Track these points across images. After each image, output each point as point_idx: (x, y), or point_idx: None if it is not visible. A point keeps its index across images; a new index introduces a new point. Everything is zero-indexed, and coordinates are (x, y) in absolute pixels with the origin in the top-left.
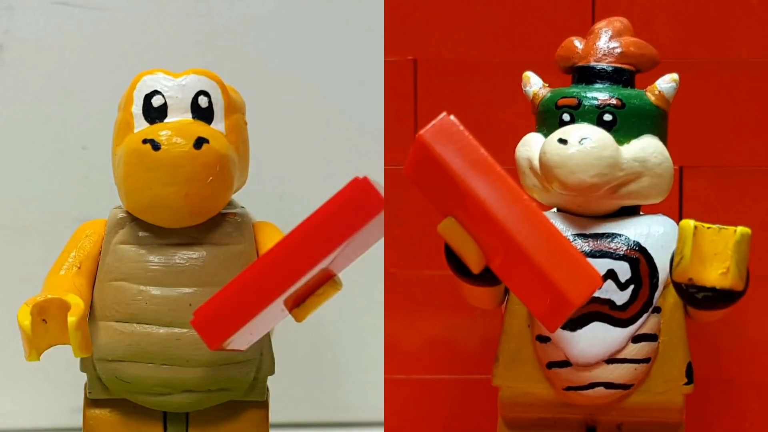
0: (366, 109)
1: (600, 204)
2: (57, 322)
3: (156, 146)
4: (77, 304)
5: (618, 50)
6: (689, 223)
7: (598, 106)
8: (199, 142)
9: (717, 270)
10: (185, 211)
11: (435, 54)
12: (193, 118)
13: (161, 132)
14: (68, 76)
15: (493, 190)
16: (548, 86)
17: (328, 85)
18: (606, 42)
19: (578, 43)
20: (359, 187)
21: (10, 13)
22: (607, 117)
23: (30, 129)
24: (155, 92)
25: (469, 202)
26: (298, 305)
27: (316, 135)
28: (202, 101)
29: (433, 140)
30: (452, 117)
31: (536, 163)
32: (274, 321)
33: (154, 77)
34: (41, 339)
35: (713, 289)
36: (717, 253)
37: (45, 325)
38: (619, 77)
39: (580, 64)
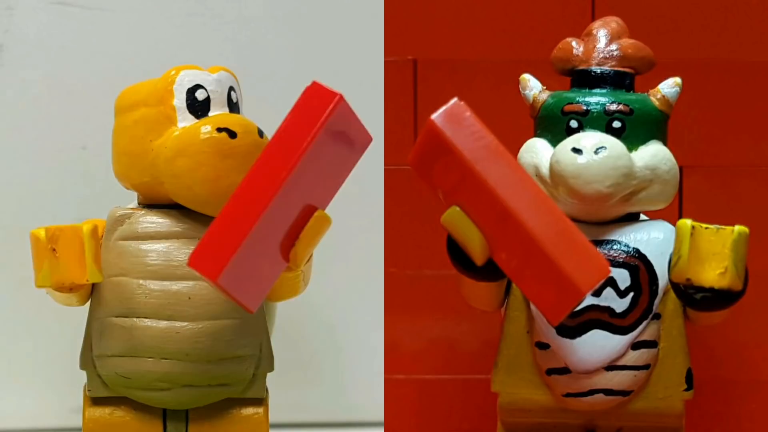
0: (366, 109)
1: (608, 212)
2: (67, 252)
3: (232, 134)
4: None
5: (619, 53)
6: (686, 222)
7: (606, 113)
8: (260, 132)
9: (715, 270)
10: None
11: (435, 54)
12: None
13: (230, 121)
14: (68, 76)
15: (503, 177)
16: (546, 89)
17: (328, 85)
18: (606, 44)
19: (576, 45)
20: (310, 90)
21: (10, 13)
22: (616, 124)
23: (30, 129)
24: (198, 86)
25: (477, 190)
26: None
27: None
28: (233, 96)
29: (444, 125)
30: (463, 102)
31: (544, 170)
32: (275, 267)
33: (191, 72)
34: (51, 269)
35: (711, 290)
36: (715, 253)
37: (54, 254)
38: (621, 81)
39: (581, 67)
